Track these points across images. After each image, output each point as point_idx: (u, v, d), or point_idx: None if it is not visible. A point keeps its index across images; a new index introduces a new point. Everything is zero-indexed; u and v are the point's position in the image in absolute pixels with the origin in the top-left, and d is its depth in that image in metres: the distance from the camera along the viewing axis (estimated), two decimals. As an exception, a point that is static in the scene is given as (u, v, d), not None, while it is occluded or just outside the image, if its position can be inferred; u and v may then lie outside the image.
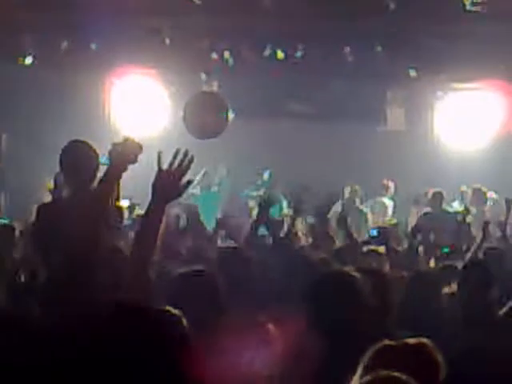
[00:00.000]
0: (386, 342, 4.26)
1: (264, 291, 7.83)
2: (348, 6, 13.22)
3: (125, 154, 4.95)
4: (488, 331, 6.33)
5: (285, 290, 7.90)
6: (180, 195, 4.97)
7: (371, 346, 4.48)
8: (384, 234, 10.84)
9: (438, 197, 13.99)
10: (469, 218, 12.54)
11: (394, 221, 13.61)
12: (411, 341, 4.28)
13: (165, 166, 4.96)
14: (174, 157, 5.09)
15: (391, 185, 16.34)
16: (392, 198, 16.63)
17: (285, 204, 15.82)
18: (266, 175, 17.70)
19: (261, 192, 16.58)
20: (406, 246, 11.07)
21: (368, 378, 3.72)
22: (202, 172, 16.52)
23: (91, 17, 13.62)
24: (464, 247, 10.95)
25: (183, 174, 5.19)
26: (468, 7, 13.04)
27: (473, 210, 13.45)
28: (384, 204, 16.59)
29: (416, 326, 5.99)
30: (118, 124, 16.06)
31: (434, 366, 4.16)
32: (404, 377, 3.65)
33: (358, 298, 5.67)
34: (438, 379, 4.14)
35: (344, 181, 16.03)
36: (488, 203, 15.04)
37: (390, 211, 16.30)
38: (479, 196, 14.72)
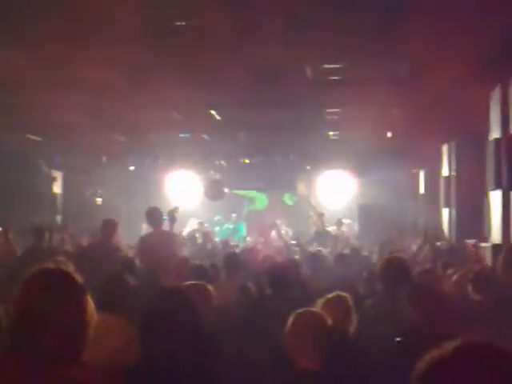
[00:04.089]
0: (334, 293, 4.25)
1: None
2: (280, 143, 14.64)
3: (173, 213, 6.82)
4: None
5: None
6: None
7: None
8: (298, 240, 11.22)
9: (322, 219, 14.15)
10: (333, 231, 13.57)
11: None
12: (339, 293, 4.27)
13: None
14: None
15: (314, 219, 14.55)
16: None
17: (244, 231, 16.35)
18: (234, 216, 17.50)
19: (231, 225, 17.06)
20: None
21: (301, 310, 3.61)
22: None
23: (159, 149, 15.38)
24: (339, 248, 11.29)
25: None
26: (331, 137, 13.93)
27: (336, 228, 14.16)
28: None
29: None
30: (171, 198, 16.63)
31: (348, 309, 4.15)
32: (318, 312, 3.65)
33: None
34: (349, 311, 4.12)
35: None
36: (344, 226, 14.83)
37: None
38: (341, 222, 14.44)
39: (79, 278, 2.25)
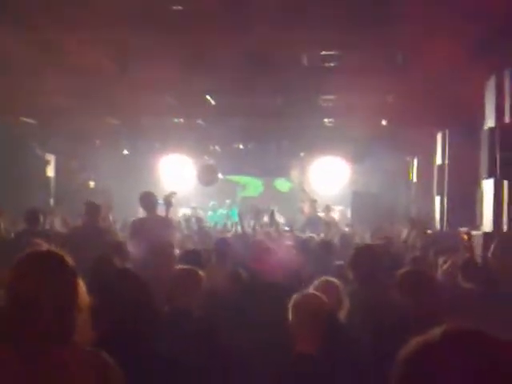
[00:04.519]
0: (323, 278, 4.25)
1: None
2: (274, 129, 14.79)
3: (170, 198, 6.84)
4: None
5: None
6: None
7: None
8: (290, 227, 11.53)
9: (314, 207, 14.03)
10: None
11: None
12: (329, 279, 4.29)
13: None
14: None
15: (306, 205, 14.37)
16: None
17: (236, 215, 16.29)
18: (227, 202, 17.70)
19: (225, 210, 17.11)
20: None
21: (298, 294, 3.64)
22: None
23: (153, 134, 15.24)
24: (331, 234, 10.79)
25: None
26: (326, 124, 14.00)
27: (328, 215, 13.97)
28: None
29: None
30: (164, 182, 16.83)
31: (339, 290, 4.18)
32: (319, 295, 3.65)
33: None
34: (341, 298, 4.13)
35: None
36: (333, 213, 14.80)
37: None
38: (329, 208, 14.27)
39: (70, 261, 2.25)
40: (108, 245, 6.35)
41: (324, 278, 4.27)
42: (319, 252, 7.52)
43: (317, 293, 3.71)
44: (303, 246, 7.85)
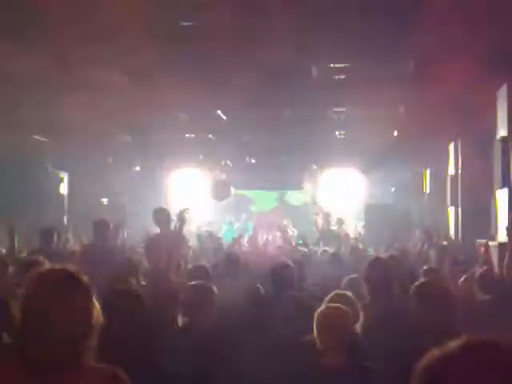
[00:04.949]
0: (337, 291, 4.33)
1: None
2: (286, 142, 14.44)
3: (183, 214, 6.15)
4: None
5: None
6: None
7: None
8: (304, 241, 11.60)
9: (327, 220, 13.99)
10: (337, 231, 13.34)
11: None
12: (343, 292, 4.35)
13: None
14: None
15: (319, 219, 14.30)
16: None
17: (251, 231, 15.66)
18: (243, 215, 17.88)
19: (242, 224, 17.17)
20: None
21: (324, 306, 3.65)
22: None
23: (165, 149, 15.26)
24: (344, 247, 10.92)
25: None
26: (337, 136, 14.09)
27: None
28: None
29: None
30: (176, 197, 17.01)
31: (354, 303, 4.16)
32: (343, 308, 3.67)
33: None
34: (357, 310, 4.08)
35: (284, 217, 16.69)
36: (344, 225, 14.40)
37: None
38: (341, 221, 14.19)
39: (85, 279, 2.22)
40: (121, 263, 6.35)
41: (338, 291, 4.27)
42: (329, 265, 7.57)
43: (341, 306, 3.71)
44: (313, 259, 7.85)
